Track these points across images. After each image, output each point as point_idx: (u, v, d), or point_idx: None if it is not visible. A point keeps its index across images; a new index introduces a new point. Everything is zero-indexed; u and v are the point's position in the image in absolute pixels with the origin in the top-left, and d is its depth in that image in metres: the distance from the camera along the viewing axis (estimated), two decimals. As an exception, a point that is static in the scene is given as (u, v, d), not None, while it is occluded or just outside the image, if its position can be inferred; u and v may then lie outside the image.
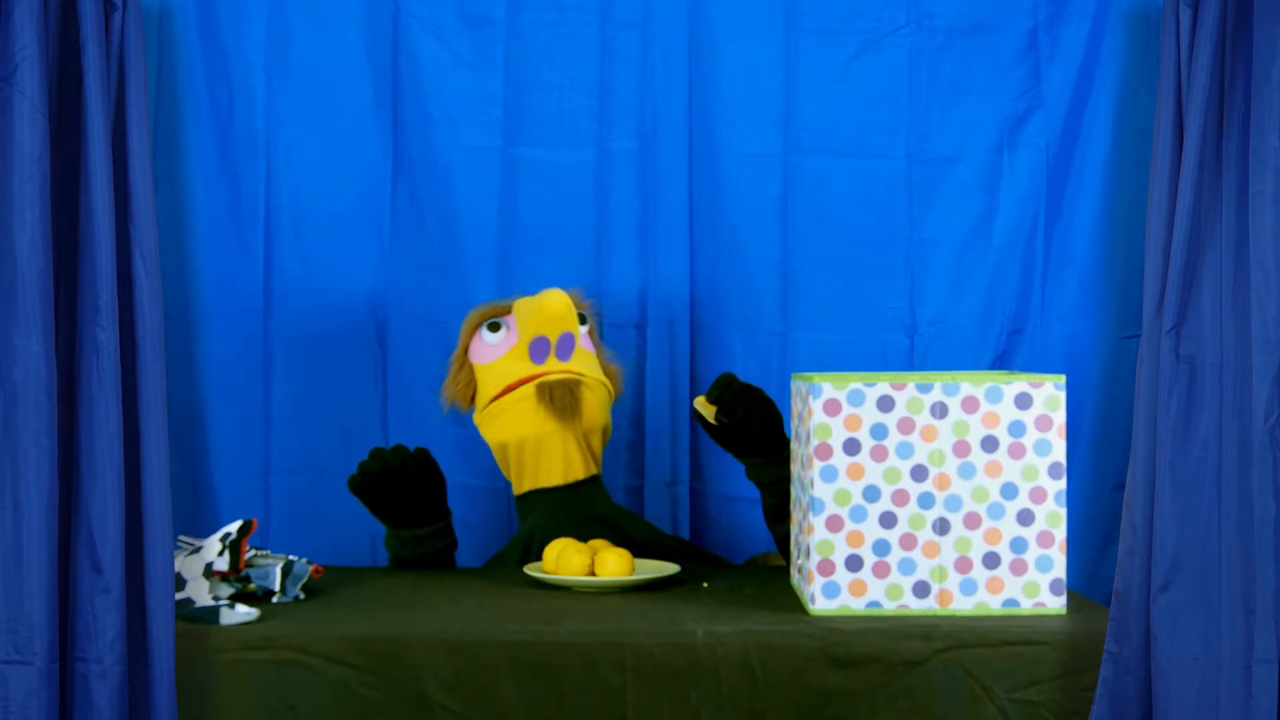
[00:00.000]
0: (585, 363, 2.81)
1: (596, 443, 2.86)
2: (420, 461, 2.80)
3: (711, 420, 2.72)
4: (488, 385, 2.81)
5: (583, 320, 2.84)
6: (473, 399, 2.86)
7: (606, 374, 2.87)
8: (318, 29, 2.97)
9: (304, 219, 2.98)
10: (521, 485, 2.86)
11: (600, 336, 2.95)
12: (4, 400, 2.19)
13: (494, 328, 2.82)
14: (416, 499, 2.80)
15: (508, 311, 2.84)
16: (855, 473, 2.41)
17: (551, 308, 2.74)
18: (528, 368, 2.77)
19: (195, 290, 2.95)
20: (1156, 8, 2.81)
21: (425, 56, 2.98)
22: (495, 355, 2.81)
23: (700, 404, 2.73)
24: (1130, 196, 2.88)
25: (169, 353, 2.68)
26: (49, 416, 2.20)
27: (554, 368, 2.77)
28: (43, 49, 2.22)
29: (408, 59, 2.98)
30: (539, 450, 2.81)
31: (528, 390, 2.77)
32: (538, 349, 2.76)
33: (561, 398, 2.76)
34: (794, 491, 2.64)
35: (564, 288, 2.81)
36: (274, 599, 2.53)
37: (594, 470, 2.86)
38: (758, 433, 2.73)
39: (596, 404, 2.82)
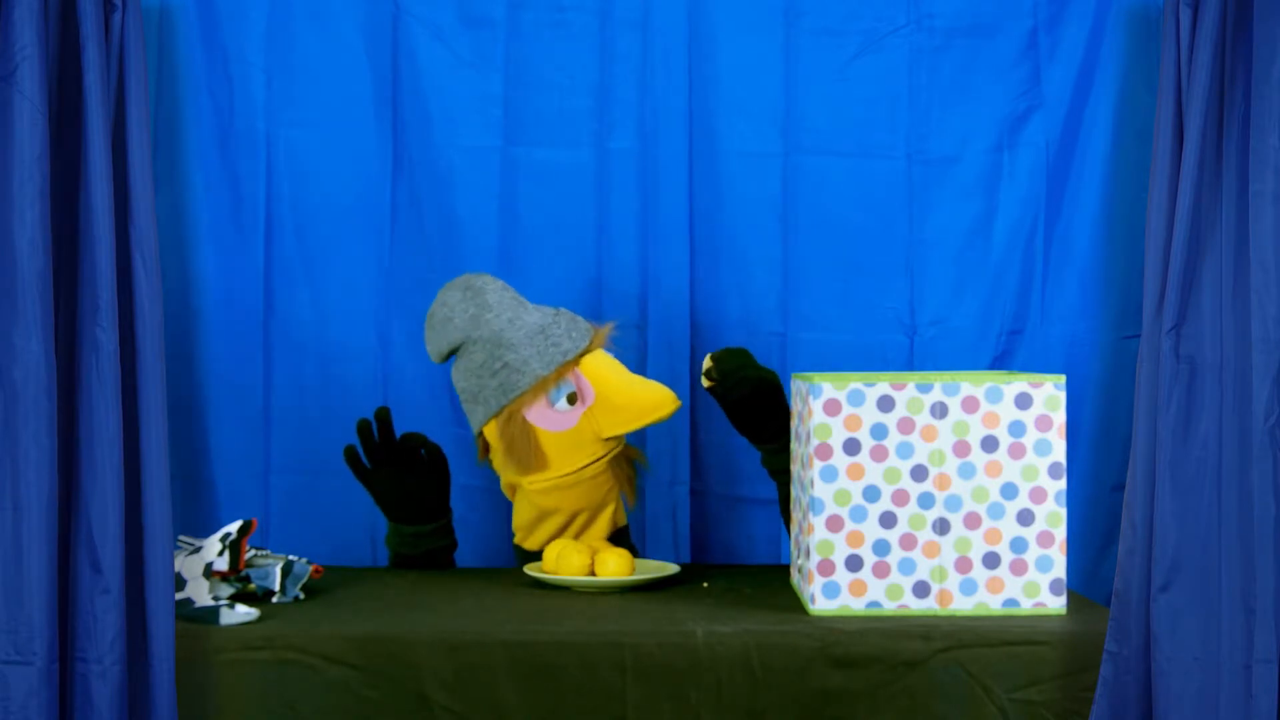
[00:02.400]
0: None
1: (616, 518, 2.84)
2: (433, 455, 2.81)
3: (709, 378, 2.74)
4: (560, 459, 2.69)
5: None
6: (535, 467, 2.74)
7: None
8: (318, 29, 2.97)
9: (304, 219, 2.98)
10: (536, 543, 2.80)
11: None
12: (4, 400, 2.19)
13: (571, 399, 2.69)
14: (422, 492, 2.80)
15: (575, 364, 2.69)
16: (855, 473, 2.41)
17: (652, 417, 2.68)
18: (599, 447, 2.70)
19: (195, 290, 2.94)
20: (1156, 8, 2.81)
21: (425, 56, 2.98)
22: (561, 426, 2.70)
23: (708, 362, 2.75)
24: (1130, 196, 2.88)
25: (169, 353, 2.68)
26: (49, 416, 2.20)
27: (617, 447, 2.74)
28: (43, 49, 2.22)
29: (408, 59, 2.98)
30: (590, 519, 2.76)
31: (599, 465, 2.72)
32: (614, 437, 2.72)
33: (630, 473, 2.78)
34: (794, 491, 2.64)
35: (607, 322, 2.80)
36: (274, 599, 2.53)
37: (621, 522, 2.83)
38: (746, 404, 2.73)
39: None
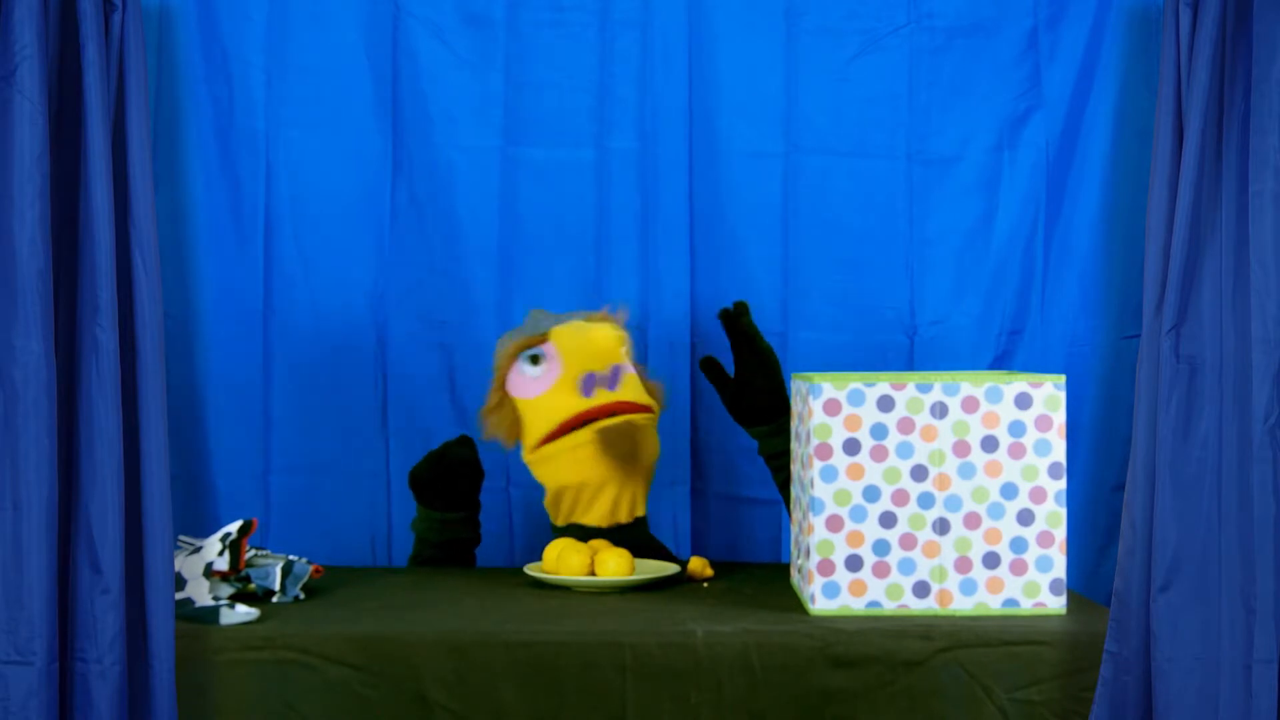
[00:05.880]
0: (632, 389, 2.79)
1: (648, 481, 2.85)
2: (462, 445, 2.86)
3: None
4: (536, 423, 2.77)
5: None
6: (517, 435, 2.82)
7: (649, 393, 2.85)
8: (318, 29, 2.97)
9: (304, 219, 2.98)
10: (562, 519, 2.84)
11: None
12: (4, 400, 2.19)
13: (535, 360, 2.77)
14: (450, 483, 2.84)
15: (543, 340, 2.80)
16: (855, 473, 2.41)
17: (602, 343, 2.73)
18: (577, 402, 2.75)
19: (195, 290, 2.94)
20: (1156, 8, 2.81)
21: (425, 56, 2.98)
22: (540, 389, 2.77)
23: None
24: (1130, 196, 2.87)
25: (169, 353, 2.68)
26: (49, 416, 2.20)
27: (604, 399, 2.75)
28: (43, 49, 2.22)
29: (408, 59, 2.98)
30: (595, 495, 2.79)
31: (585, 436, 2.74)
32: (587, 384, 2.75)
33: (623, 446, 2.75)
34: (794, 491, 2.64)
35: (606, 306, 2.85)
36: (274, 599, 2.53)
37: (640, 513, 2.84)
38: (760, 400, 2.82)
39: (652, 440, 2.81)
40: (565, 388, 2.75)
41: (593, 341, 2.73)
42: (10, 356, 2.19)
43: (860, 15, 2.98)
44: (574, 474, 2.77)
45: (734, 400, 2.86)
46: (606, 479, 2.77)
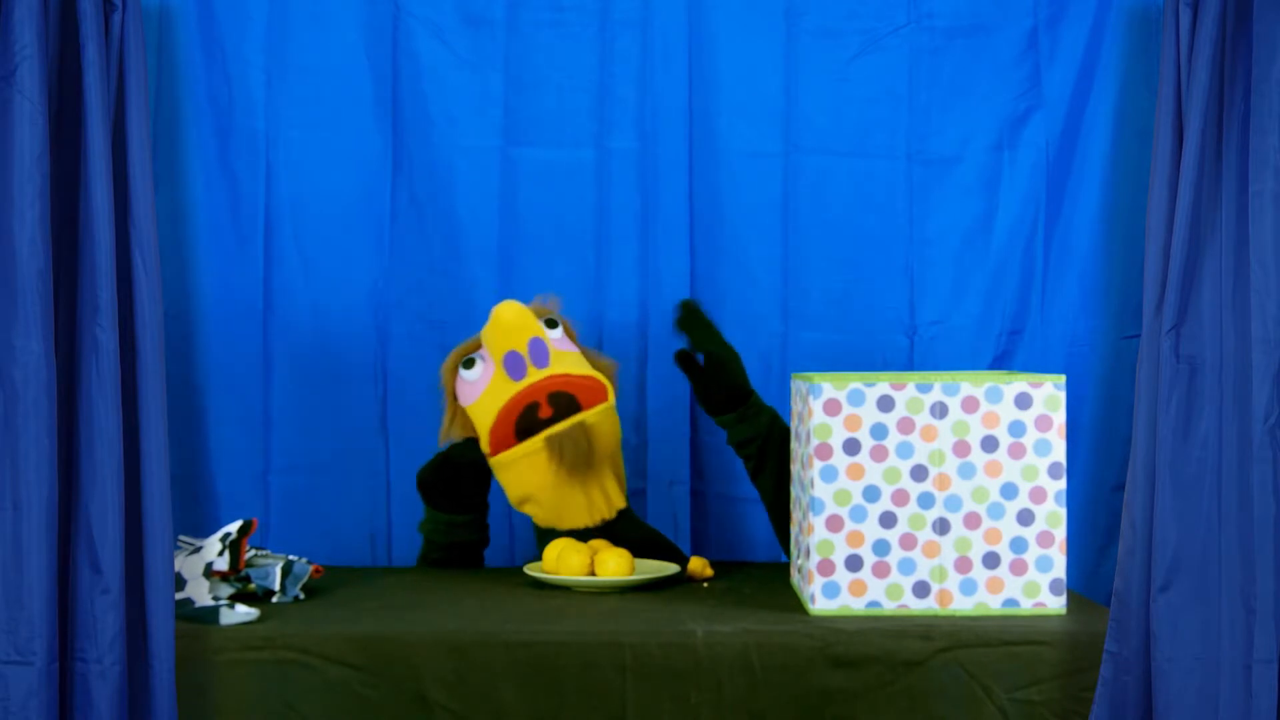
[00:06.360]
0: (567, 363, 2.75)
1: (620, 468, 2.82)
2: (468, 447, 2.84)
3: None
4: (482, 421, 2.75)
5: (553, 324, 2.78)
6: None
7: (599, 369, 2.82)
8: (318, 29, 2.97)
9: (304, 219, 2.98)
10: (545, 522, 2.82)
11: (600, 336, 2.95)
12: (4, 400, 2.19)
13: (469, 364, 2.76)
14: (456, 484, 2.83)
15: (479, 346, 2.79)
16: (855, 473, 2.42)
17: (505, 318, 2.71)
18: (510, 387, 2.72)
19: (195, 290, 2.94)
20: (1156, 8, 2.81)
21: (425, 56, 2.98)
22: (479, 391, 2.75)
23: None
24: (1130, 196, 2.88)
25: (169, 353, 2.68)
26: (49, 416, 2.20)
27: (535, 376, 2.72)
28: (43, 49, 2.22)
29: (408, 59, 2.98)
30: (562, 498, 2.77)
31: (536, 444, 2.72)
32: (512, 365, 2.71)
33: (572, 451, 2.72)
34: (794, 491, 2.64)
35: (534, 297, 2.83)
36: (274, 599, 2.53)
37: (620, 504, 2.81)
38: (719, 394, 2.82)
39: (607, 430, 2.77)
40: (498, 378, 2.73)
41: (498, 321, 2.71)
42: (10, 356, 2.19)
43: (860, 15, 2.98)
44: (531, 481, 2.75)
45: (702, 391, 2.85)
46: (565, 481, 2.75)
